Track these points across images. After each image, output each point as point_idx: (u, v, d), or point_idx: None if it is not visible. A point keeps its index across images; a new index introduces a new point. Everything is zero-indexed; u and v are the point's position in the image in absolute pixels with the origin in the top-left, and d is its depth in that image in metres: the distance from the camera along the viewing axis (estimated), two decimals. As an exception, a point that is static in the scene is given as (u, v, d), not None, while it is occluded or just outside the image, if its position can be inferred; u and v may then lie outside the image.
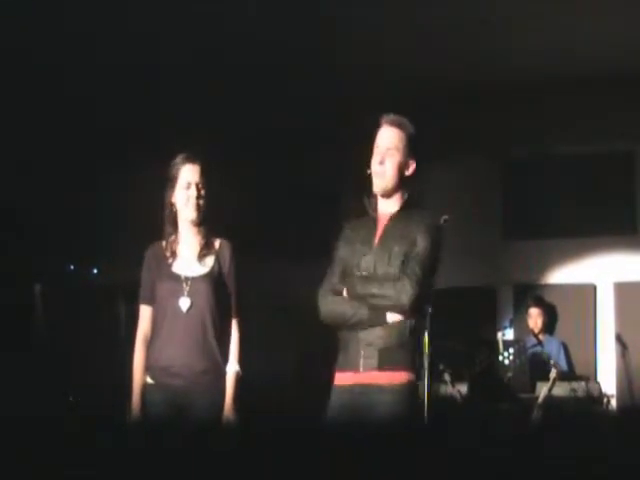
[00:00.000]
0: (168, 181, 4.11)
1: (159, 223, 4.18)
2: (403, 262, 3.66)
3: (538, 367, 6.53)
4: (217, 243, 4.12)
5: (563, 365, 6.93)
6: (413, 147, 3.82)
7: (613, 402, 6.78)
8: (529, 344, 6.85)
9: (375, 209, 3.84)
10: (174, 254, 4.07)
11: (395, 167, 3.78)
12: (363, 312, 3.66)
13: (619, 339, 7.60)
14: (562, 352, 7.18)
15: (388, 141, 3.80)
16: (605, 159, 8.06)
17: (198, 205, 4.05)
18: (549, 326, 7.41)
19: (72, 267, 8.14)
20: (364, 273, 3.71)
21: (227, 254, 4.12)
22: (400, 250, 3.69)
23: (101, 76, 7.25)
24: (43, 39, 6.66)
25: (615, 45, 7.08)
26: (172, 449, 3.53)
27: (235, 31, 6.72)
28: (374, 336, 3.64)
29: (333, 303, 3.75)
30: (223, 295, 4.06)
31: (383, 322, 3.64)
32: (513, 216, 8.36)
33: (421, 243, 3.70)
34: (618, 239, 7.94)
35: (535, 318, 7.32)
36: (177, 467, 3.55)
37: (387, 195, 3.81)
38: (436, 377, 6.34)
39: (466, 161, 8.41)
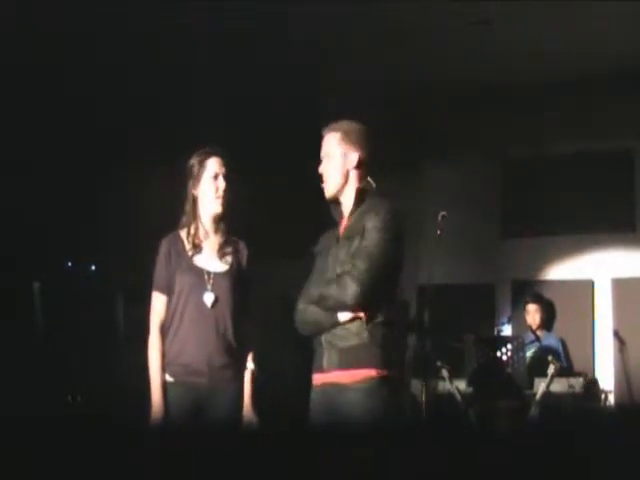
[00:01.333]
0: (191, 173, 4.08)
1: (157, 223, 4.18)
2: (351, 256, 3.62)
3: (536, 363, 6.55)
4: (234, 240, 4.14)
5: (561, 361, 6.95)
6: (352, 140, 3.78)
7: (611, 398, 6.81)
8: (527, 340, 6.87)
9: (341, 216, 3.82)
10: (197, 247, 4.05)
11: (331, 168, 3.78)
12: (319, 316, 3.65)
13: (617, 335, 7.62)
14: (560, 348, 7.19)
15: (322, 150, 3.83)
16: (604, 157, 8.08)
17: (225, 198, 4.06)
18: (547, 322, 7.42)
19: (70, 264, 8.13)
20: (325, 276, 3.68)
21: (244, 252, 4.14)
22: (353, 246, 3.64)
23: (101, 76, 7.27)
24: (43, 39, 6.68)
25: (614, 44, 7.09)
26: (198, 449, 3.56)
27: (234, 31, 6.74)
28: (334, 336, 3.62)
29: (300, 313, 3.74)
30: (240, 293, 4.06)
31: (336, 322, 3.61)
32: (512, 213, 8.38)
33: (369, 235, 3.62)
34: (616, 236, 7.96)
35: (533, 314, 7.33)
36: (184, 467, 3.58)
37: (337, 198, 3.80)
38: (434, 374, 6.37)
39: (465, 159, 8.44)
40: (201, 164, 4.07)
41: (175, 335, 3.99)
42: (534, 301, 7.38)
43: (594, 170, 8.06)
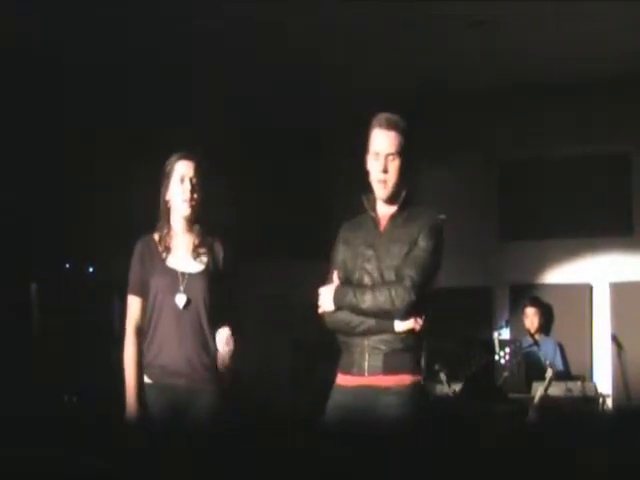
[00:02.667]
0: (163, 178, 4.10)
1: (154, 221, 4.18)
2: (402, 263, 3.61)
3: (534, 367, 6.55)
4: (211, 241, 4.12)
5: (559, 365, 6.95)
6: (409, 145, 3.75)
7: (609, 402, 6.81)
8: (525, 344, 6.88)
9: (374, 208, 3.78)
10: (168, 249, 4.06)
11: (399, 172, 3.71)
12: (370, 321, 3.60)
13: (615, 339, 7.61)
14: (558, 352, 7.19)
15: (389, 147, 3.71)
16: (601, 160, 8.09)
17: (192, 199, 4.04)
18: (545, 326, 7.44)
19: (67, 266, 8.12)
20: (366, 279, 3.66)
21: (220, 251, 4.12)
22: (401, 252, 3.63)
23: (101, 76, 7.26)
24: (43, 38, 6.68)
25: (614, 46, 7.10)
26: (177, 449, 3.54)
27: (234, 31, 6.74)
28: (379, 341, 3.61)
29: (338, 311, 3.68)
30: (218, 292, 4.05)
31: (391, 330, 3.60)
32: (510, 216, 8.39)
33: (422, 245, 3.64)
34: (614, 240, 7.96)
35: (531, 318, 7.34)
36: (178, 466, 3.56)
37: (391, 200, 3.75)
38: (432, 377, 6.36)
39: (464, 161, 8.44)
40: (170, 167, 4.09)
41: (153, 337, 3.99)
42: (532, 305, 7.39)
43: (592, 173, 8.07)
